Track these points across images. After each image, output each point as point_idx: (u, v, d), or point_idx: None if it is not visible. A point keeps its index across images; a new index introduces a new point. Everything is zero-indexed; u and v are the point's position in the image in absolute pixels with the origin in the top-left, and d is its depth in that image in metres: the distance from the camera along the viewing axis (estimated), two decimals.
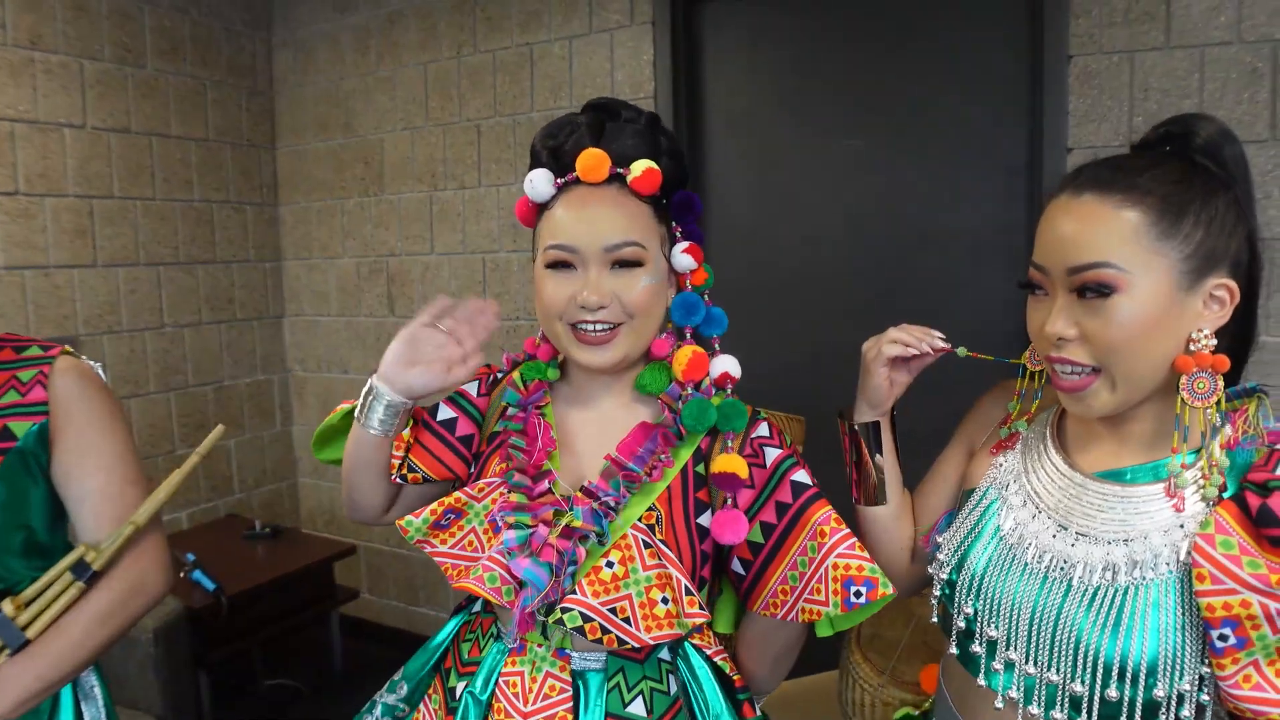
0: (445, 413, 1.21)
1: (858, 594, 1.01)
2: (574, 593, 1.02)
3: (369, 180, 3.23)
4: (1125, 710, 0.87)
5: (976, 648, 0.98)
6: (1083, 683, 0.88)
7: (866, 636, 1.41)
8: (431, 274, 3.14)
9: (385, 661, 3.16)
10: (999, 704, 0.95)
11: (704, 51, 2.68)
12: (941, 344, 1.08)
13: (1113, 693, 0.87)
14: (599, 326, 1.06)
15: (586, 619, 0.99)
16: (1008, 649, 0.95)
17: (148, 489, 1.25)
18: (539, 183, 1.11)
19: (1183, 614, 0.85)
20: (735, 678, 1.11)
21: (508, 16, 2.88)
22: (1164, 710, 0.85)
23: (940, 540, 1.07)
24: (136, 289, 2.93)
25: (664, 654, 1.10)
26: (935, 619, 1.06)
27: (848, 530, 1.05)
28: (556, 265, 1.07)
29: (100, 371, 1.27)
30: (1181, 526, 0.88)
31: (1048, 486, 0.98)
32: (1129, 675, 0.86)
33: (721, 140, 2.68)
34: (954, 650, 1.01)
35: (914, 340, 1.08)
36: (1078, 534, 0.93)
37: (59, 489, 1.20)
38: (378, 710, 1.22)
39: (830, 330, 2.56)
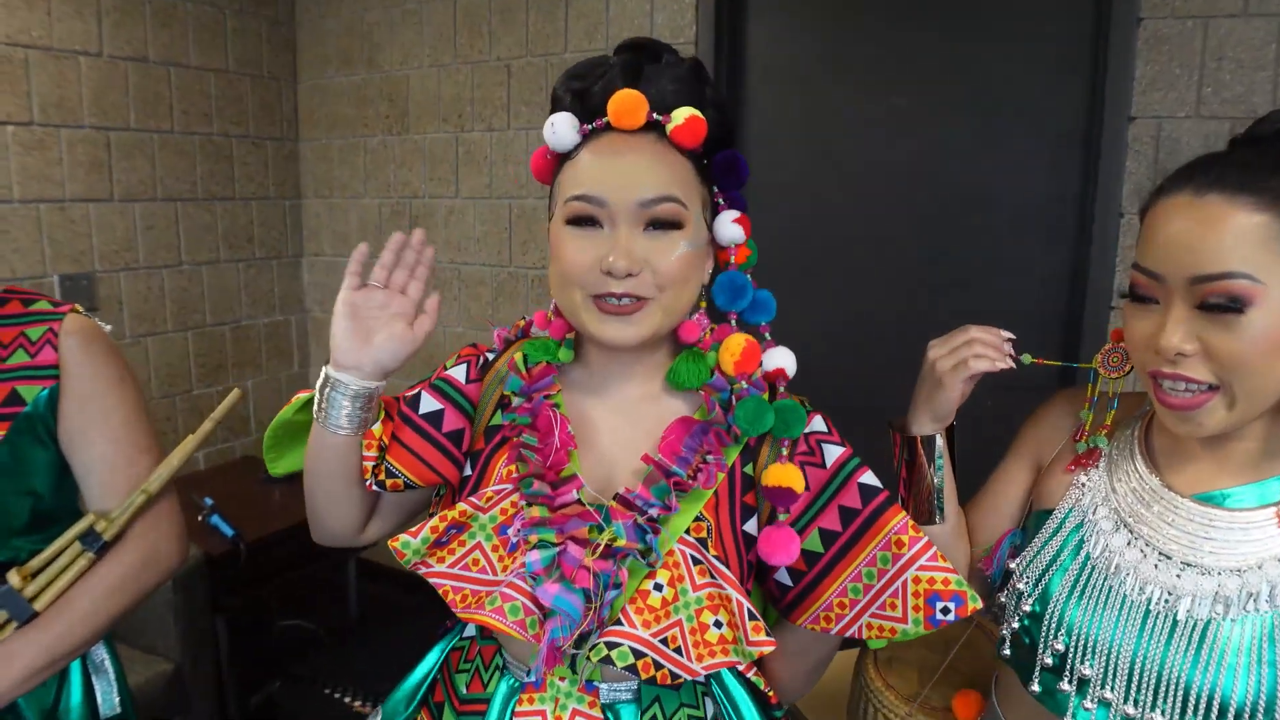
0: (429, 404, 1.02)
1: (945, 611, 0.89)
2: (619, 623, 0.87)
3: (393, 118, 3.13)
4: None
5: (1064, 686, 0.92)
6: None
7: (884, 659, 1.32)
8: (456, 217, 3.05)
9: (401, 606, 3.19)
10: None
11: (748, 5, 2.54)
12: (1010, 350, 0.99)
13: None
14: (625, 299, 0.90)
15: (639, 654, 0.85)
16: (1103, 688, 0.89)
17: (160, 455, 1.19)
18: (561, 127, 0.95)
19: None
20: (770, 694, 1.02)
21: None
22: None
23: (1011, 566, 1.00)
24: (154, 225, 2.86)
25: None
26: (1007, 652, 1.00)
27: (927, 539, 0.92)
28: (579, 221, 0.91)
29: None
30: None
31: (1141, 510, 0.92)
32: (1246, 714, 0.81)
33: (763, 92, 2.57)
34: (1035, 688, 0.95)
35: (998, 354, 0.98)
36: (1184, 564, 0.87)
37: (66, 456, 1.15)
38: None
39: (871, 291, 2.49)
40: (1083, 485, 0.98)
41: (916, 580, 0.90)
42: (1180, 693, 0.84)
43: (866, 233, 2.49)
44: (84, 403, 1.13)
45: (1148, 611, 0.88)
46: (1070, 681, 0.92)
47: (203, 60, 2.95)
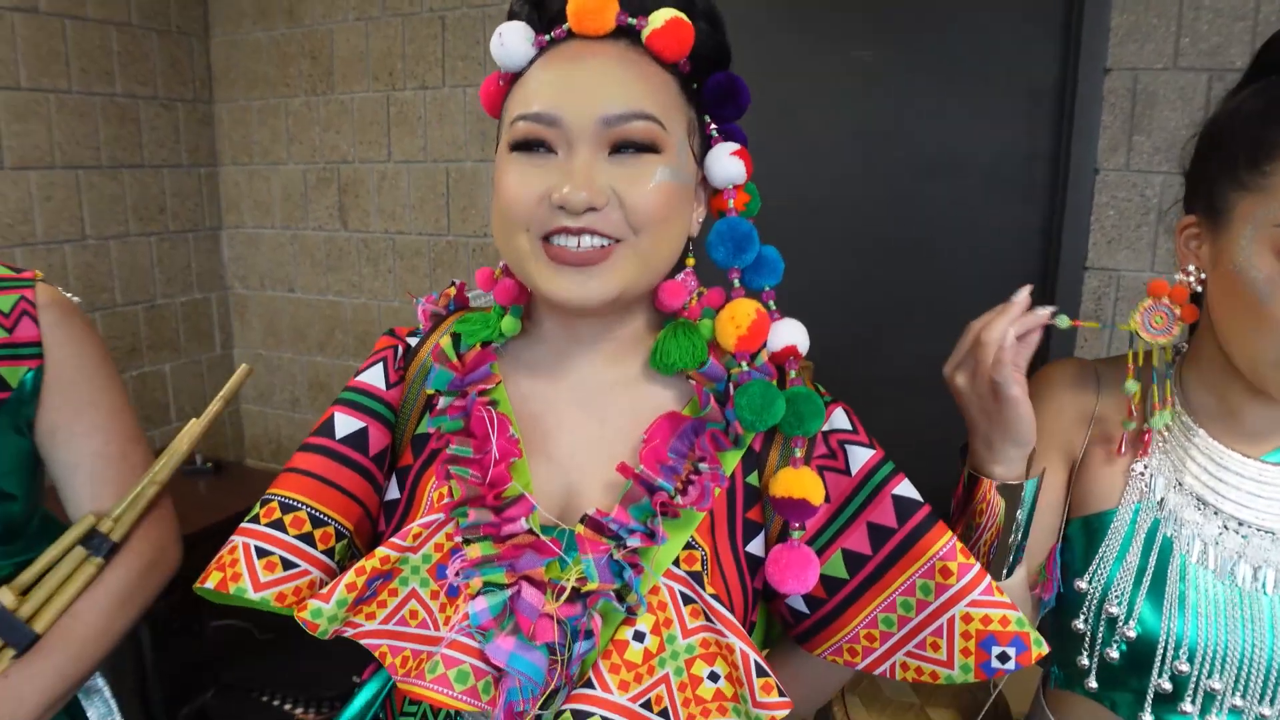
0: (347, 424, 0.81)
1: (1003, 657, 0.71)
2: (589, 684, 0.69)
3: (316, 77, 2.89)
4: None
5: (1187, 707, 0.81)
6: None
7: (864, 689, 1.13)
8: (389, 184, 2.84)
9: None
10: None
11: None
12: (1044, 313, 0.79)
13: None
14: (585, 240, 0.70)
15: None
16: (1234, 695, 0.79)
17: (147, 444, 1.05)
18: (511, 38, 0.74)
19: None
20: None
21: None
22: None
23: (1083, 587, 0.86)
24: (52, 195, 2.58)
25: None
26: (1094, 685, 0.87)
27: (980, 566, 0.74)
28: (527, 146, 0.72)
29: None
30: None
31: (1223, 487, 0.81)
32: None
33: None
34: (1149, 717, 0.83)
35: (1020, 314, 0.78)
36: None
37: (44, 450, 0.98)
38: None
39: (833, 257, 2.38)
40: (1141, 475, 0.86)
41: (967, 618, 0.72)
42: None
43: (828, 195, 2.37)
44: (71, 387, 0.98)
45: (1268, 597, 0.79)
46: (1194, 701, 0.81)
47: (103, 12, 2.66)
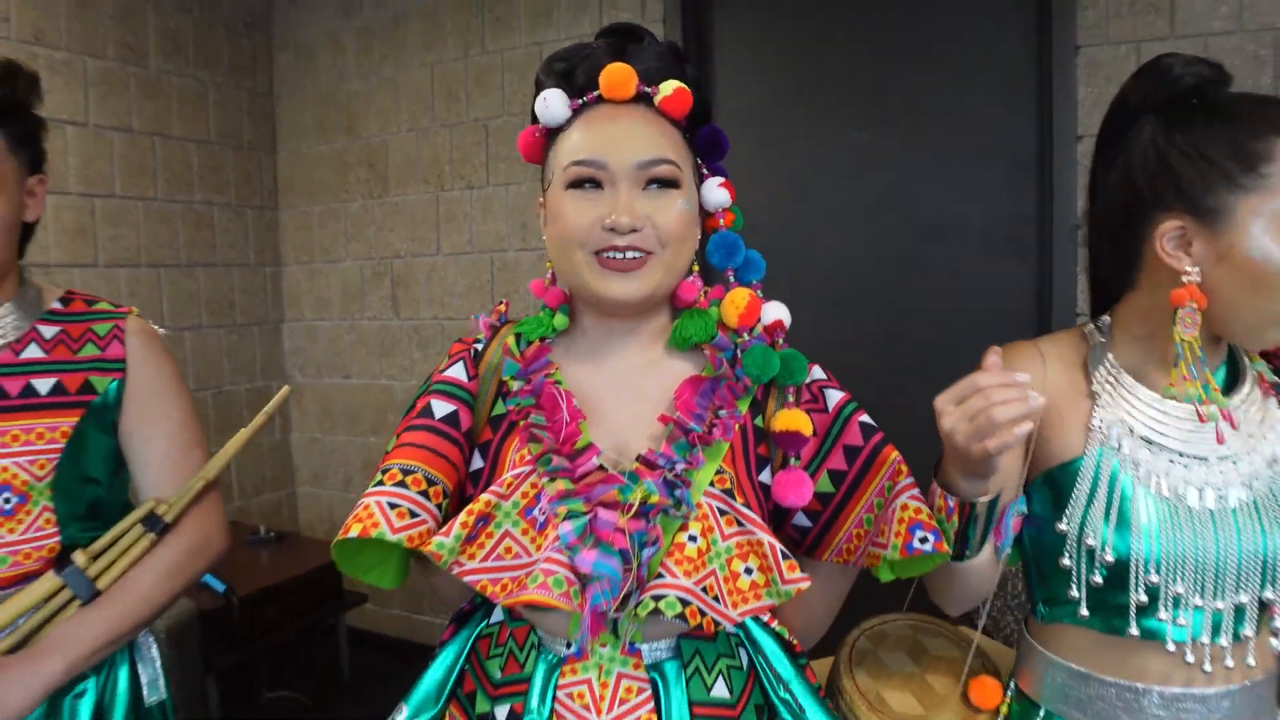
0: (442, 408, 1.00)
1: (923, 540, 0.92)
2: (660, 575, 0.87)
3: (373, 182, 3.22)
4: None
5: (1162, 614, 0.96)
6: (1274, 588, 0.94)
7: (870, 663, 1.24)
8: (438, 275, 3.12)
9: (389, 673, 3.11)
10: (1171, 647, 0.96)
11: (714, 49, 2.70)
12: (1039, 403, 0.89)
13: None
14: (630, 254, 0.93)
15: (685, 602, 0.85)
16: (1194, 596, 0.95)
17: (208, 450, 1.27)
18: (554, 101, 0.98)
19: None
20: (794, 642, 1.03)
21: (516, 16, 2.90)
22: None
23: (1063, 528, 1.01)
24: (137, 290, 2.88)
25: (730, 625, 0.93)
26: (1085, 613, 1.00)
27: (913, 478, 0.98)
28: (581, 184, 0.95)
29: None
30: None
31: (1162, 429, 0.98)
32: None
33: (730, 134, 2.68)
34: (1135, 631, 0.98)
35: (1020, 394, 0.86)
36: (1219, 458, 0.96)
37: (124, 447, 1.21)
38: None
39: (837, 323, 2.57)
40: (1099, 428, 1.01)
41: (904, 507, 0.95)
42: (1259, 568, 0.94)
43: (832, 262, 2.58)
44: (147, 399, 1.21)
45: (1212, 514, 0.95)
46: (1166, 608, 0.95)
47: (186, 131, 3.02)
